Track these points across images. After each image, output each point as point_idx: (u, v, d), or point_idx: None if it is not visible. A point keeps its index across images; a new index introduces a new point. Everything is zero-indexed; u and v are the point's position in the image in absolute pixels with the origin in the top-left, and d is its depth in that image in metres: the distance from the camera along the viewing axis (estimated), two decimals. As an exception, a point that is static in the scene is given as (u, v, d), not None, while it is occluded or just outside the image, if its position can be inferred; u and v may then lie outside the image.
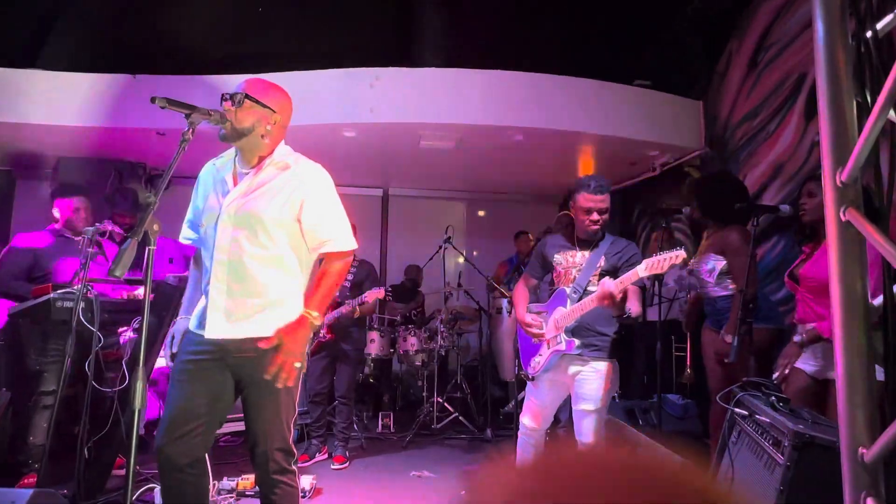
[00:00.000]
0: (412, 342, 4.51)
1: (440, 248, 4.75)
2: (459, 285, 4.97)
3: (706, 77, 4.78)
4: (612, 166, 5.32)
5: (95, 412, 2.51)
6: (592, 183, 2.31)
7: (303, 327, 1.65)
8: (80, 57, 4.35)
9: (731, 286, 2.80)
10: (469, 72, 4.33)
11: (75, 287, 2.42)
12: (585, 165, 5.42)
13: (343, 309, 3.48)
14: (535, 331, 2.39)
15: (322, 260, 1.81)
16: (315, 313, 1.68)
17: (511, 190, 6.54)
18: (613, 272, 2.31)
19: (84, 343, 2.42)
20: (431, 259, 4.96)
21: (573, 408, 2.34)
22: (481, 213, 7.01)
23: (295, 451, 1.71)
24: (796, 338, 2.25)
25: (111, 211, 4.07)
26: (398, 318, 5.03)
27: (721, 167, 4.53)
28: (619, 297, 2.06)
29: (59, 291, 2.41)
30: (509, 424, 4.32)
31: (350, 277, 3.67)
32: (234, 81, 4.32)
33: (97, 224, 2.60)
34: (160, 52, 4.64)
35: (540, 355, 2.40)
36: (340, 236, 1.77)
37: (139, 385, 1.33)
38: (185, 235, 1.85)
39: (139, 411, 1.32)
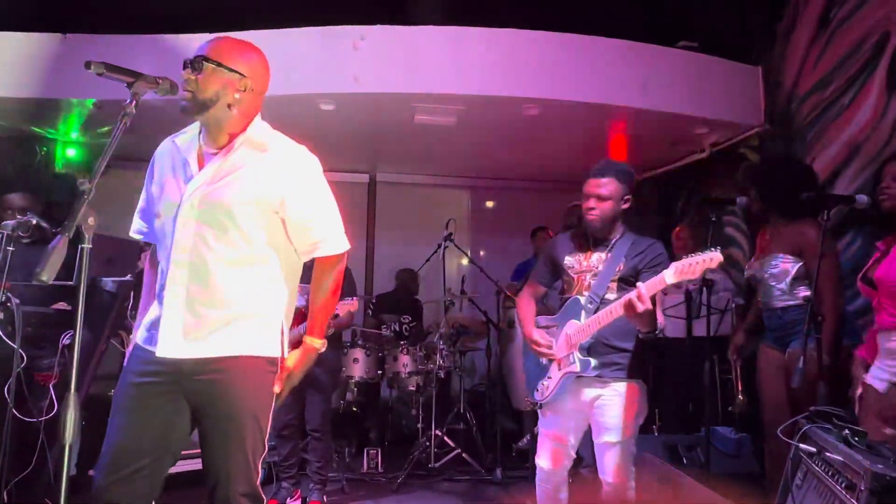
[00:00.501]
0: (405, 362, 4.51)
1: (439, 247, 4.75)
2: (463, 292, 4.98)
3: (766, 38, 4.78)
4: (650, 147, 5.32)
5: (17, 447, 2.51)
6: (595, 167, 2.39)
7: (309, 360, 1.81)
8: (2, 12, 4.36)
9: (802, 294, 2.80)
10: (474, 30, 4.33)
11: (-8, 294, 2.42)
12: (617, 146, 5.42)
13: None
14: (544, 350, 2.40)
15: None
16: (318, 341, 1.82)
17: (525, 176, 6.53)
18: (635, 277, 2.32)
19: (2, 363, 2.43)
20: (429, 260, 4.96)
21: (595, 441, 2.36)
22: (489, 204, 7.02)
23: (262, 496, 1.70)
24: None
25: (45, 200, 4.08)
26: (388, 332, 5.03)
27: (784, 148, 4.53)
28: (649, 306, 2.09)
29: (-29, 300, 2.41)
30: (523, 464, 4.33)
31: None
32: (186, 42, 4.37)
33: (19, 217, 2.61)
34: (97, 5, 4.64)
35: (549, 378, 2.41)
36: (332, 236, 1.79)
37: (70, 414, 1.34)
38: (137, 228, 1.83)
39: (70, 446, 1.32)
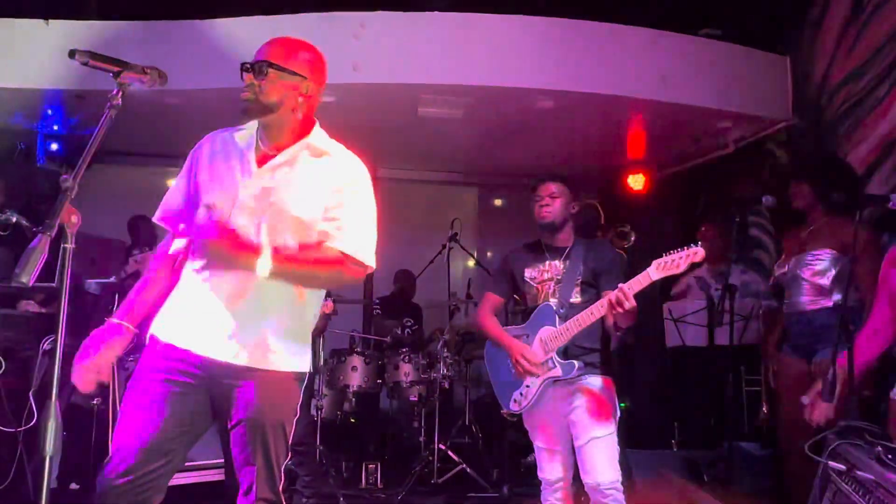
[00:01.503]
0: (406, 371, 4.52)
1: (444, 248, 4.75)
2: (469, 297, 4.98)
3: (795, 26, 4.77)
4: (670, 142, 5.32)
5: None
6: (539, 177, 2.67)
7: (242, 247, 1.65)
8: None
9: (837, 298, 2.78)
10: (482, 17, 4.34)
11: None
12: (635, 141, 5.41)
13: None
14: (533, 368, 2.46)
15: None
16: (268, 256, 1.65)
17: (536, 173, 6.48)
18: (594, 279, 2.53)
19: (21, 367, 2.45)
20: (432, 262, 4.96)
21: (577, 444, 2.44)
22: (497, 202, 7.02)
23: (284, 501, 1.76)
24: None
25: (27, 196, 4.11)
26: (388, 339, 5.04)
27: (813, 144, 4.52)
28: (633, 303, 2.25)
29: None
30: (533, 480, 4.30)
31: None
32: (176, 28, 4.40)
33: (-2, 214, 2.63)
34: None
35: (527, 386, 2.53)
36: (364, 246, 1.80)
37: (51, 424, 1.35)
38: (162, 216, 1.87)
39: (51, 458, 1.33)
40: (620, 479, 2.42)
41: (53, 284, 2.49)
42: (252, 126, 1.82)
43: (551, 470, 2.55)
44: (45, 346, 2.69)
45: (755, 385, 3.92)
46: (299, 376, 1.80)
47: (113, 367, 3.29)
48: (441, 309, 5.04)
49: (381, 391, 4.77)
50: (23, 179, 4.38)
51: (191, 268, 1.77)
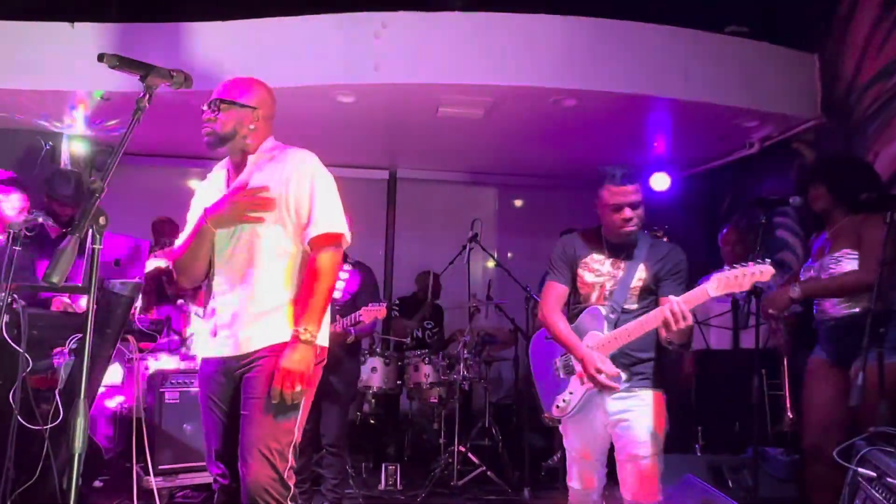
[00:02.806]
0: (426, 372, 4.54)
1: (464, 248, 4.76)
2: (489, 298, 4.99)
3: (823, 22, 4.71)
4: (696, 141, 5.28)
5: (21, 455, 2.59)
6: (617, 172, 2.37)
7: (292, 348, 1.92)
8: (3, 1, 4.49)
9: (865, 301, 2.75)
10: (504, 16, 4.34)
11: (-3, 296, 2.50)
12: (658, 140, 5.38)
13: (333, 329, 3.48)
14: (609, 382, 2.27)
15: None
16: (308, 328, 1.92)
17: (557, 173, 6.52)
18: (655, 285, 2.37)
19: (6, 367, 2.50)
20: (452, 263, 4.97)
21: (619, 458, 2.37)
22: (518, 202, 7.01)
23: (290, 483, 1.96)
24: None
25: (49, 198, 4.19)
26: (408, 340, 5.06)
27: (843, 143, 4.46)
28: (690, 321, 2.11)
29: (-26, 302, 2.49)
30: (554, 483, 4.32)
31: (342, 286, 3.69)
32: (199, 31, 4.45)
33: (26, 215, 2.69)
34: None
35: (570, 392, 2.43)
36: (330, 217, 2.03)
37: (79, 422, 1.38)
38: None
39: (80, 455, 1.36)
40: (661, 499, 2.33)
41: (80, 284, 2.55)
42: (223, 162, 2.20)
43: (582, 479, 2.48)
44: (72, 344, 2.74)
45: (777, 389, 3.88)
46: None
47: (136, 367, 3.36)
48: (461, 310, 5.05)
49: (400, 392, 4.79)
50: (47, 181, 4.45)
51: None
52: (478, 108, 4.65)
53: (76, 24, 4.34)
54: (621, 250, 2.44)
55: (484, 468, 4.36)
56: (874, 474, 1.87)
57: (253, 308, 1.99)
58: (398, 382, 4.57)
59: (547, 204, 6.69)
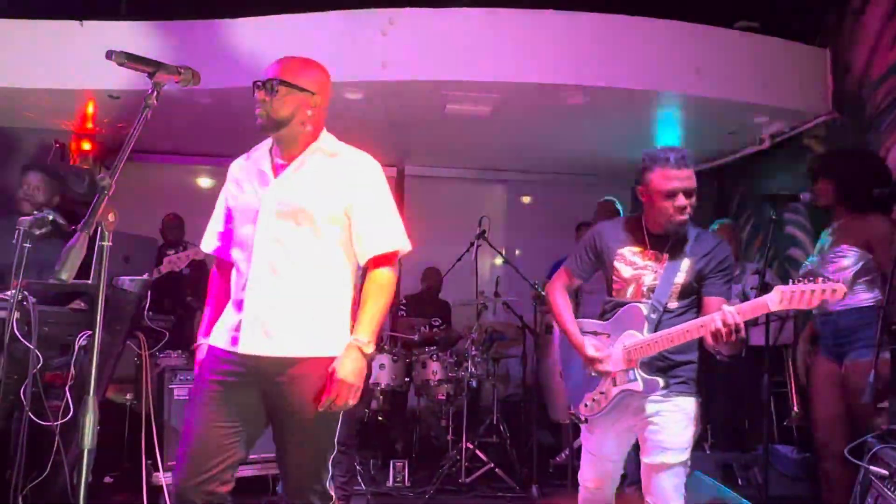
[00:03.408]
0: (434, 369, 4.54)
1: (472, 245, 4.75)
2: (497, 295, 4.98)
3: (834, 16, 4.67)
4: (705, 137, 5.25)
5: (32, 451, 2.61)
6: (671, 154, 2.17)
7: (350, 358, 1.82)
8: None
9: (863, 296, 2.74)
10: (510, 12, 4.33)
11: (8, 293, 2.52)
12: (667, 136, 5.36)
13: None
14: (600, 367, 2.26)
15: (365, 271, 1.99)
16: (365, 338, 1.84)
17: (565, 169, 6.51)
18: (699, 283, 2.23)
19: (17, 364, 2.52)
20: (460, 260, 4.97)
21: (644, 460, 2.28)
22: (526, 199, 7.00)
23: (332, 493, 1.91)
24: None
25: (62, 197, 4.23)
26: (416, 337, 5.07)
27: (854, 138, 4.42)
28: (742, 333, 1.97)
29: (-12, 298, 2.52)
30: (562, 480, 4.32)
31: None
32: (205, 28, 4.47)
33: (36, 213, 2.71)
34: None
35: (601, 393, 2.30)
36: (392, 234, 1.96)
37: (89, 418, 1.39)
38: (211, 244, 2.07)
39: (89, 451, 1.37)
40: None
41: (89, 281, 2.56)
42: (266, 144, 2.00)
43: (597, 479, 2.40)
44: (81, 341, 2.76)
45: (782, 386, 3.86)
46: None
47: (145, 364, 3.38)
48: (469, 307, 5.05)
49: (408, 389, 4.80)
50: (57, 179, 4.49)
51: (234, 279, 1.95)
52: (486, 105, 4.64)
53: (85, 21, 4.36)
54: (664, 243, 2.25)
55: (492, 465, 4.36)
56: (886, 472, 1.86)
57: (299, 310, 1.86)
58: (406, 379, 4.58)
59: (555, 201, 6.67)
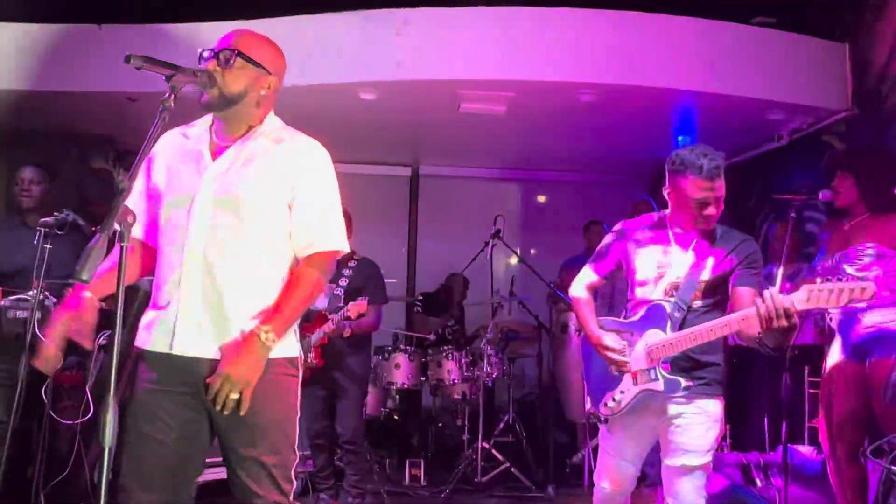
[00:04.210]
0: (449, 369, 4.54)
1: (486, 244, 4.75)
2: (512, 294, 4.97)
3: (854, 11, 4.61)
4: (720, 135, 5.19)
5: (52, 450, 2.65)
6: (704, 162, 2.14)
7: (245, 345, 1.64)
8: (33, 4, 4.58)
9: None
10: (525, 10, 4.32)
11: (29, 293, 2.56)
12: (684, 135, 5.31)
13: (327, 327, 3.46)
14: (616, 356, 2.26)
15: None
16: (267, 328, 1.65)
17: (580, 167, 6.48)
18: (724, 280, 2.20)
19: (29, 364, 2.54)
20: (475, 259, 4.97)
21: (666, 461, 2.27)
22: (541, 198, 6.98)
23: None
24: None
25: (82, 198, 4.30)
26: (431, 336, 5.08)
27: (874, 135, 4.36)
28: (796, 320, 1.90)
29: (10, 298, 2.55)
30: (578, 480, 4.31)
31: (344, 282, 3.71)
32: (220, 30, 4.48)
33: (56, 214, 2.75)
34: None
35: (622, 392, 2.27)
36: (332, 233, 1.79)
37: (109, 417, 1.40)
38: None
39: (110, 449, 1.39)
40: None
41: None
42: (204, 121, 1.82)
43: (614, 480, 2.38)
44: (101, 340, 2.79)
45: (812, 387, 3.82)
46: (291, 361, 1.76)
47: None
48: (484, 306, 5.05)
49: (424, 388, 4.81)
50: (76, 180, 4.56)
51: (160, 272, 1.75)
52: (500, 104, 4.63)
53: (103, 25, 4.41)
54: (688, 241, 2.26)
55: (508, 465, 4.36)
56: (908, 473, 1.83)
57: (238, 308, 1.69)
58: (422, 379, 4.59)
59: (570, 199, 6.65)
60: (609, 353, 2.27)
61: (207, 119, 1.82)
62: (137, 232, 1.81)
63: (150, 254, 1.83)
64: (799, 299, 1.91)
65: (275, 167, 1.74)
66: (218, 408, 1.62)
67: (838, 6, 4.72)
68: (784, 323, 1.90)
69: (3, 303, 2.54)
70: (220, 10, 4.49)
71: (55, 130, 5.14)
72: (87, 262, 1.38)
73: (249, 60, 1.72)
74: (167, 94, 1.58)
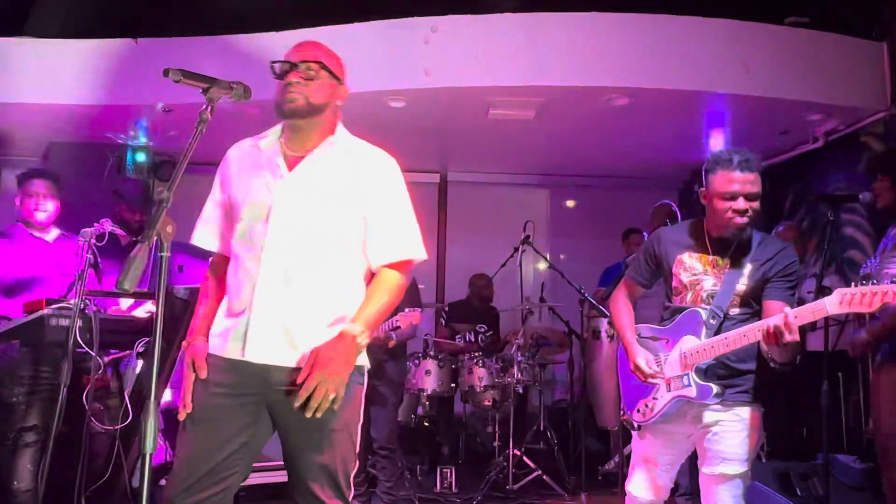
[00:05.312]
0: (480, 375, 4.53)
1: (516, 250, 4.74)
2: (542, 300, 4.95)
3: (891, 9, 4.51)
4: (756, 137, 5.12)
5: (90, 455, 2.71)
6: (735, 157, 2.14)
7: (342, 345, 1.67)
8: (75, 19, 4.72)
9: None
10: (553, 16, 4.32)
11: (71, 301, 2.63)
12: (717, 137, 5.26)
13: (374, 336, 3.47)
14: (647, 369, 2.24)
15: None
16: (360, 328, 1.70)
17: (610, 172, 6.43)
18: (761, 289, 2.19)
19: (75, 369, 2.61)
20: (504, 265, 4.96)
21: (703, 470, 2.24)
22: (570, 203, 6.94)
23: None
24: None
25: (118, 207, 4.41)
26: (461, 342, 5.08)
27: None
28: (796, 337, 1.92)
29: (53, 307, 2.62)
30: (611, 488, 4.25)
31: None
32: (252, 42, 4.58)
33: (95, 224, 2.82)
34: (164, 9, 4.94)
35: (655, 398, 2.27)
36: (410, 241, 1.84)
37: (150, 423, 1.43)
38: (203, 237, 1.91)
39: (151, 455, 1.41)
40: None
41: (146, 290, 2.66)
42: (274, 131, 1.85)
43: (645, 488, 2.34)
44: (139, 348, 2.85)
45: (852, 395, 3.73)
46: (359, 370, 1.78)
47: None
48: (514, 312, 5.03)
49: (455, 395, 4.81)
50: (115, 191, 4.68)
51: (236, 279, 1.77)
52: (529, 110, 4.63)
53: (140, 39, 4.53)
54: (725, 248, 2.22)
55: (539, 472, 4.33)
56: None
57: (312, 317, 1.72)
58: (452, 385, 4.59)
59: (600, 204, 6.60)
60: (638, 374, 2.27)
61: (277, 129, 1.85)
62: (216, 245, 1.89)
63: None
64: (831, 303, 1.90)
65: (349, 178, 1.78)
66: (309, 413, 1.63)
67: (874, 4, 4.62)
68: (787, 340, 1.92)
69: (45, 311, 2.62)
70: (249, 24, 4.58)
71: (93, 141, 5.28)
72: (129, 272, 1.41)
73: (329, 72, 1.78)
74: (204, 107, 1.61)
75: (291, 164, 1.79)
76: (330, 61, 1.79)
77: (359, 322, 1.72)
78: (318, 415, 1.64)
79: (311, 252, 1.73)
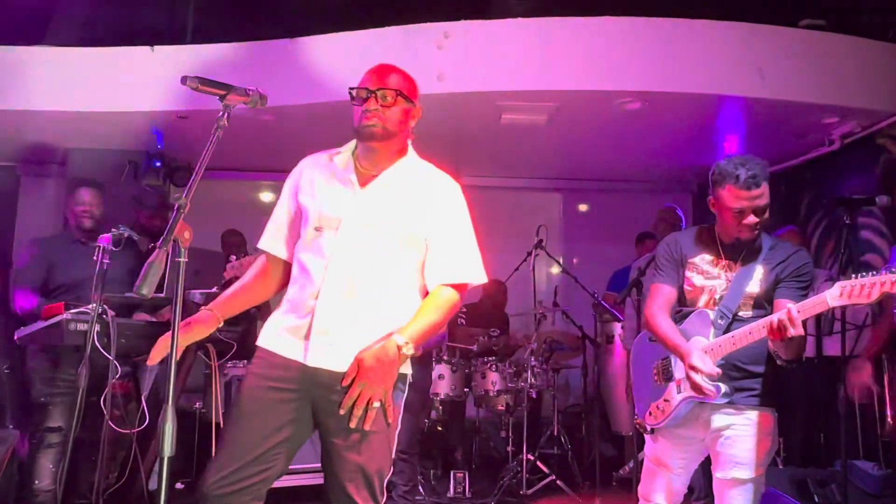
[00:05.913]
0: (493, 380, 4.53)
1: (529, 255, 4.74)
2: (556, 305, 4.94)
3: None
4: (771, 140, 5.10)
5: (107, 458, 2.74)
6: (742, 172, 2.12)
7: (386, 354, 1.73)
8: (93, 28, 4.79)
9: None
10: (566, 20, 4.32)
11: (89, 306, 2.66)
12: (731, 141, 5.23)
13: None
14: (706, 388, 2.09)
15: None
16: (405, 339, 1.75)
17: (623, 176, 6.41)
18: (772, 291, 2.19)
19: (95, 373, 2.64)
20: (518, 270, 4.96)
21: (716, 475, 2.24)
22: (583, 207, 6.93)
23: None
24: None
25: (136, 212, 4.46)
26: (474, 347, 5.08)
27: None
28: (800, 331, 1.93)
29: (72, 311, 2.66)
30: (626, 492, 4.23)
31: None
32: (267, 49, 4.62)
33: (113, 229, 2.85)
34: (178, 19, 5.01)
35: (666, 400, 2.27)
36: (470, 266, 1.89)
37: (168, 426, 1.45)
38: (275, 247, 1.96)
39: (169, 458, 1.43)
40: None
41: (162, 295, 2.68)
42: (348, 147, 1.93)
43: (657, 492, 2.34)
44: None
45: (869, 399, 3.68)
46: (402, 378, 1.83)
47: (214, 373, 3.50)
48: (527, 317, 5.02)
49: (467, 399, 4.80)
50: (134, 197, 4.73)
51: (299, 284, 1.85)
52: (541, 114, 4.63)
53: (156, 47, 4.58)
54: (737, 252, 2.25)
55: (553, 477, 4.31)
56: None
57: (368, 328, 1.78)
58: (465, 390, 4.58)
59: (613, 208, 6.59)
60: (694, 376, 2.12)
61: (351, 145, 1.92)
62: (282, 252, 1.95)
63: (289, 271, 1.93)
64: (832, 296, 1.92)
65: (416, 200, 1.86)
66: (354, 422, 1.70)
67: (889, 6, 4.59)
68: (790, 334, 1.93)
69: (65, 315, 2.65)
70: (266, 30, 4.63)
71: (110, 148, 5.35)
72: (148, 277, 1.43)
73: (405, 97, 1.86)
74: (221, 114, 1.63)
75: (364, 181, 1.87)
76: (405, 85, 1.87)
77: (405, 333, 1.77)
78: (364, 425, 1.71)
79: (375, 266, 1.81)
